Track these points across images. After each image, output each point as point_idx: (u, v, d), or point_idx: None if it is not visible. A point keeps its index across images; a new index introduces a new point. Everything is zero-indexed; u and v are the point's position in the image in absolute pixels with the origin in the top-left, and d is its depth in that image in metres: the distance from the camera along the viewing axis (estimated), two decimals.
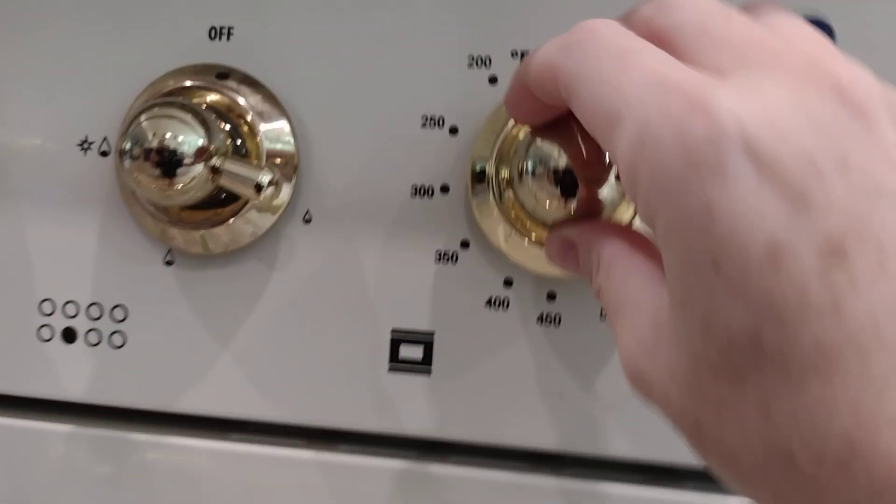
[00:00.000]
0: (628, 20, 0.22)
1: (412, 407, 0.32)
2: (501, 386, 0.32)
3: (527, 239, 0.31)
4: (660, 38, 0.21)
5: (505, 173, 0.30)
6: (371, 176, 0.32)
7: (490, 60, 0.32)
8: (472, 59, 0.32)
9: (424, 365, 0.32)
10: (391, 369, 0.33)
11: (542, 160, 0.27)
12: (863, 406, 0.16)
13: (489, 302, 0.32)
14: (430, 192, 0.32)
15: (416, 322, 0.32)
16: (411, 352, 0.32)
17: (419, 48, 0.32)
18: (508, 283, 0.32)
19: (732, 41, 0.20)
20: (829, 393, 0.17)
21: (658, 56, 0.20)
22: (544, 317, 0.32)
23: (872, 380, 0.16)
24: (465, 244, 0.32)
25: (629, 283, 0.22)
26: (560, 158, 0.27)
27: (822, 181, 0.17)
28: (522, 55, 0.32)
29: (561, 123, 0.27)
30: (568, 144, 0.27)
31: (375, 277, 0.33)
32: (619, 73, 0.20)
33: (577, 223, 0.27)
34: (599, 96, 0.20)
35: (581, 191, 0.27)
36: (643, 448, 0.32)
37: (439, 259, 0.32)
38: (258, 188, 0.28)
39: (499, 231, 0.31)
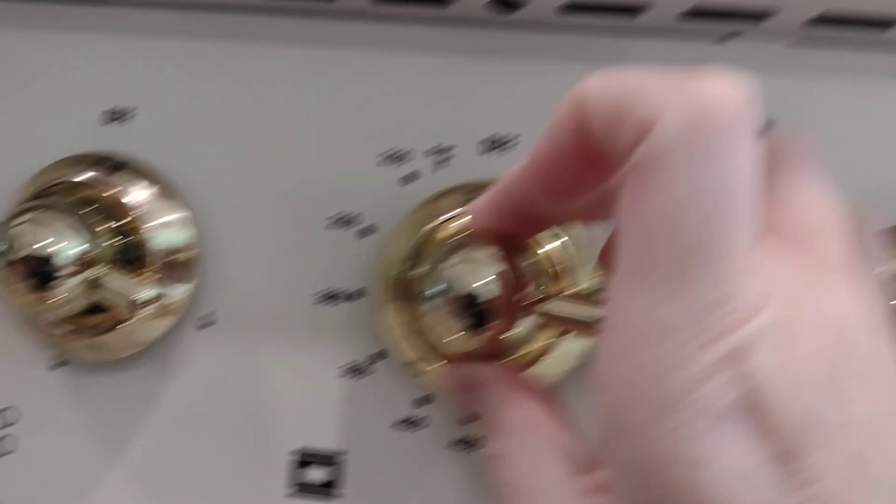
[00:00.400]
0: None
1: None
2: None
3: (440, 357, 0.28)
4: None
5: (418, 284, 0.28)
6: (278, 278, 0.30)
7: (406, 157, 0.29)
8: (387, 155, 0.29)
9: (327, 490, 0.29)
10: (293, 492, 0.30)
11: (452, 284, 0.24)
12: None
13: (403, 422, 0.29)
14: (341, 297, 0.29)
15: (322, 442, 0.29)
16: (316, 474, 0.30)
17: (331, 142, 0.29)
18: (425, 400, 0.29)
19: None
20: None
21: (747, 210, 0.17)
22: (463, 439, 0.29)
23: None
24: (377, 356, 0.29)
25: (531, 481, 0.21)
26: (471, 284, 0.24)
27: (818, 447, 0.16)
28: (441, 152, 0.29)
29: (510, 241, 0.24)
30: (510, 270, 0.24)
31: (279, 390, 0.30)
32: (709, 223, 0.16)
33: (486, 366, 0.24)
34: (662, 234, 0.17)
35: (499, 324, 0.24)
36: None
37: (349, 372, 0.29)
38: (132, 304, 0.26)
39: (410, 345, 0.28)
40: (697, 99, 0.17)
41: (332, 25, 0.30)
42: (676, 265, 0.16)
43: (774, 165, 0.20)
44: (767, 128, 0.27)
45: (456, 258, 0.25)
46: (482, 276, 0.24)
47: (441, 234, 0.28)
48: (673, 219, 0.16)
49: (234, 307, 0.30)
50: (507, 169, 0.28)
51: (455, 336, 0.25)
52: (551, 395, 0.24)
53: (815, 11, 0.26)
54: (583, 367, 0.28)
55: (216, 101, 0.30)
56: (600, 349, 0.18)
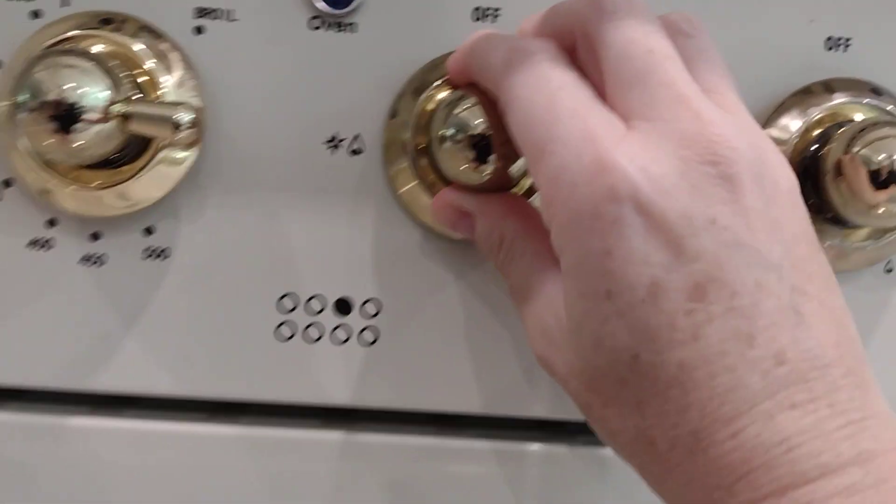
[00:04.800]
0: (563, 10, 0.26)
1: None
2: (45, 328, 0.32)
3: (58, 179, 0.30)
4: (588, 42, 0.25)
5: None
6: None
7: None
8: None
9: None
10: None
11: (36, 90, 0.27)
12: (707, 410, 0.22)
13: (32, 243, 0.31)
14: None
15: None
16: None
17: None
18: (52, 223, 0.31)
19: (646, 80, 0.23)
20: (685, 400, 0.22)
21: (581, 97, 0.24)
22: (89, 258, 0.32)
23: (716, 392, 0.22)
24: (7, 183, 0.31)
25: (533, 272, 0.26)
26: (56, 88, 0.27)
27: (694, 237, 0.22)
28: None
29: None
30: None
31: None
32: (547, 110, 0.24)
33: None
34: (529, 126, 0.24)
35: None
36: (186, 383, 0.32)
37: None
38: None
39: (29, 171, 0.30)
40: (509, 56, 0.25)
41: None
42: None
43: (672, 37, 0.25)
44: None
45: (40, 66, 0.27)
46: (65, 80, 0.26)
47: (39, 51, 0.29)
48: (527, 128, 0.24)
49: None
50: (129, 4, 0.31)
51: (46, 143, 0.27)
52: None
53: None
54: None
55: None
56: (540, 194, 0.24)
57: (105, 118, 0.27)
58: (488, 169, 0.28)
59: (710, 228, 0.22)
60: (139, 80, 0.29)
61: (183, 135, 0.27)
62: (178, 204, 0.31)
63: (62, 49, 0.28)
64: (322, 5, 0.31)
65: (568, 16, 0.26)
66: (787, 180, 0.24)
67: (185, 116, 0.27)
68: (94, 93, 0.27)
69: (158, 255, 0.32)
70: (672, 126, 0.23)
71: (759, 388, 0.21)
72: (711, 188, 0.22)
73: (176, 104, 0.27)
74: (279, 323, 0.32)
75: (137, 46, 0.30)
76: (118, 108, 0.27)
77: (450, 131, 0.28)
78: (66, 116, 0.27)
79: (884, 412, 0.23)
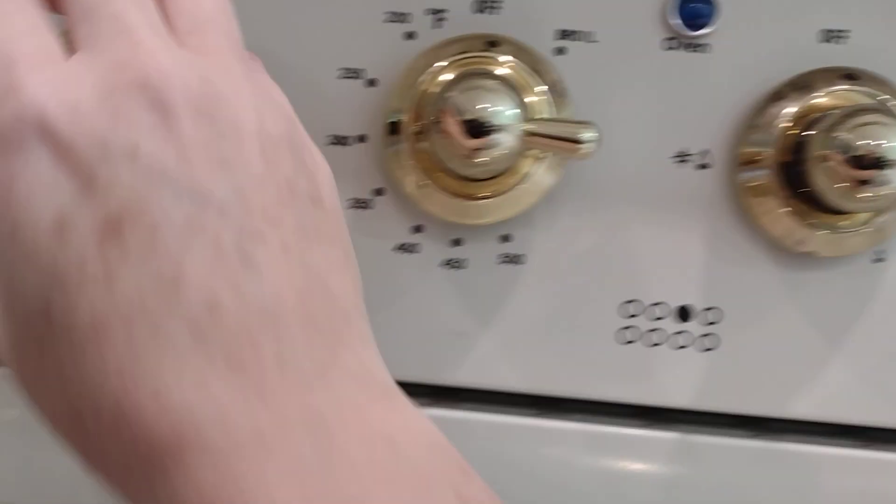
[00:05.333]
0: None
1: None
2: (407, 324, 0.34)
3: (437, 188, 0.33)
4: None
5: (419, 125, 0.32)
6: None
7: (407, 17, 0.34)
8: (390, 14, 0.34)
9: None
10: None
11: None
12: (126, 372, 0.18)
13: (399, 247, 0.34)
14: (347, 141, 0.34)
15: None
16: None
17: (342, 3, 0.34)
18: (418, 229, 0.34)
19: (92, 14, 0.21)
20: (102, 360, 0.19)
21: (21, 22, 0.21)
22: (450, 261, 0.34)
23: (134, 348, 0.18)
24: (379, 192, 0.34)
25: None
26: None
27: (109, 166, 0.19)
28: (439, 12, 0.33)
29: None
30: None
31: None
32: None
33: None
34: None
35: None
36: (532, 379, 0.35)
37: (354, 205, 0.34)
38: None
39: (410, 180, 0.33)
40: None
41: None
42: None
43: None
44: None
45: (456, 87, 0.30)
46: (479, 100, 0.29)
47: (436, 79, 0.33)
48: None
49: None
50: (497, 28, 0.33)
51: (457, 156, 0.30)
52: None
53: None
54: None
55: None
56: None
57: (515, 136, 0.29)
58: (864, 191, 0.29)
59: (130, 157, 0.19)
60: (525, 99, 0.32)
61: (584, 152, 0.29)
62: (535, 214, 0.34)
63: (473, 71, 0.30)
64: (677, 27, 0.33)
65: None
66: (257, 125, 0.21)
67: (590, 135, 0.29)
68: (505, 112, 0.29)
69: (514, 261, 0.34)
70: (107, 56, 0.20)
71: (187, 343, 0.18)
72: (137, 114, 0.19)
73: (579, 122, 0.29)
74: (622, 327, 0.34)
75: (518, 67, 0.32)
76: (526, 127, 0.29)
77: (831, 152, 0.30)
78: (478, 132, 0.29)
79: (359, 371, 0.20)
